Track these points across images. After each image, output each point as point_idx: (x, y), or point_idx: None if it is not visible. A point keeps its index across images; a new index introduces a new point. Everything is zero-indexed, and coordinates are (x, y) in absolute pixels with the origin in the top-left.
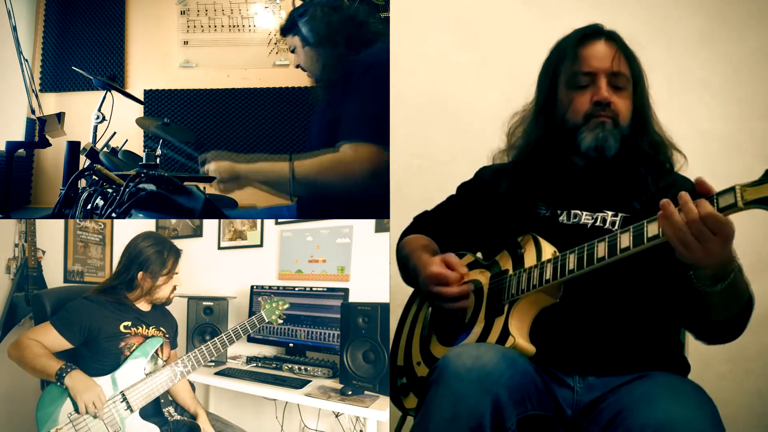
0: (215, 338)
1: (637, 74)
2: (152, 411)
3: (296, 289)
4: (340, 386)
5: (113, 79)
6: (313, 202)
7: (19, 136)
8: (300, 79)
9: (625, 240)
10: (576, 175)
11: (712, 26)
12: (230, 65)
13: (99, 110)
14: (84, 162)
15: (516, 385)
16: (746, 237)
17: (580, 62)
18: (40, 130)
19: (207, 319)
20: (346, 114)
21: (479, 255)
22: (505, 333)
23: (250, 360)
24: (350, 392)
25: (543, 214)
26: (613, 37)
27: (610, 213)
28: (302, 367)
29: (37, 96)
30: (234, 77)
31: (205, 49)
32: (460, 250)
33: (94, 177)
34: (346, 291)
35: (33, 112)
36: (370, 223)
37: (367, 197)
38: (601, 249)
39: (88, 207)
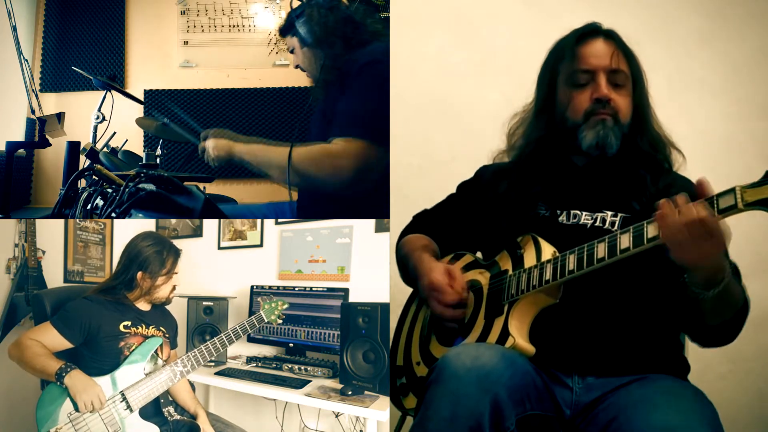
0: (214, 338)
1: (637, 72)
2: (152, 411)
3: (296, 289)
4: (340, 386)
5: (113, 79)
6: (313, 202)
7: (19, 136)
8: (300, 80)
9: (625, 240)
10: (576, 174)
11: (712, 26)
12: (230, 65)
13: (99, 110)
14: (84, 162)
15: (515, 385)
16: (746, 237)
17: (579, 60)
18: (40, 130)
19: (207, 319)
20: (338, 111)
21: (479, 255)
22: (504, 333)
23: (250, 360)
24: (350, 392)
25: (543, 214)
26: (611, 36)
27: (609, 213)
28: (302, 367)
29: (37, 96)
30: (234, 77)
31: (205, 49)
32: (460, 250)
33: (94, 177)
34: (346, 291)
35: (33, 112)
36: (370, 223)
37: (353, 193)
38: (601, 249)
39: (88, 207)
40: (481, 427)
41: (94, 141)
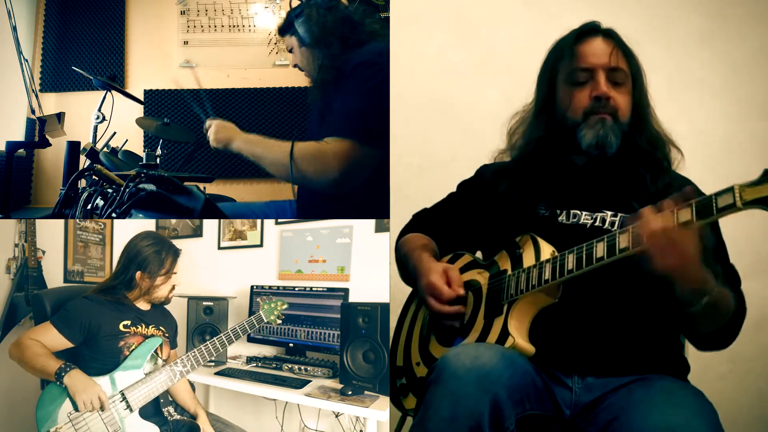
0: (214, 338)
1: (636, 70)
2: (152, 411)
3: (296, 289)
4: (340, 386)
5: (113, 79)
6: (313, 202)
7: (19, 136)
8: (300, 79)
9: (624, 240)
10: (575, 174)
11: (712, 26)
12: (230, 65)
13: (99, 110)
14: (84, 162)
15: (515, 385)
16: (746, 237)
17: (578, 59)
18: (40, 130)
19: (207, 319)
20: (332, 111)
21: (478, 255)
22: (504, 333)
23: (250, 360)
24: (350, 392)
25: (542, 214)
26: (610, 34)
27: (609, 213)
28: (302, 367)
29: (37, 96)
30: (234, 77)
31: (205, 49)
32: (459, 249)
33: (94, 177)
34: (346, 291)
35: (33, 112)
36: (370, 223)
37: (341, 192)
38: (600, 249)
39: (88, 207)
40: (480, 427)
41: (94, 141)
